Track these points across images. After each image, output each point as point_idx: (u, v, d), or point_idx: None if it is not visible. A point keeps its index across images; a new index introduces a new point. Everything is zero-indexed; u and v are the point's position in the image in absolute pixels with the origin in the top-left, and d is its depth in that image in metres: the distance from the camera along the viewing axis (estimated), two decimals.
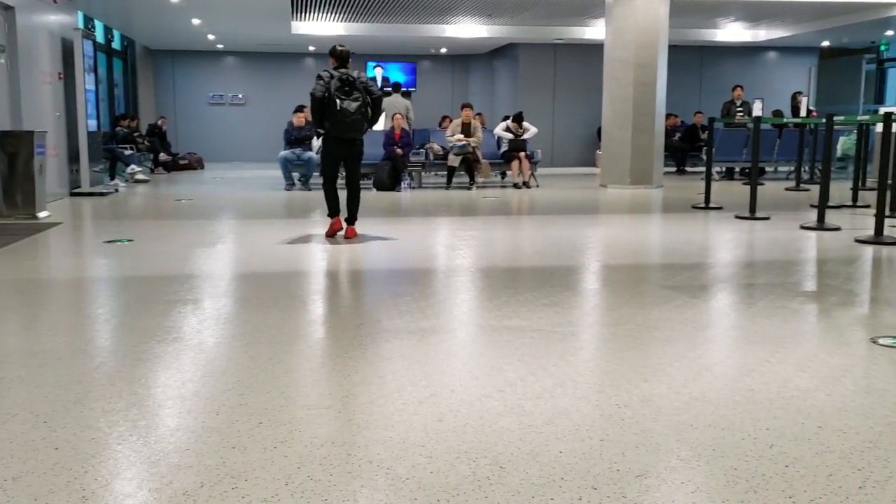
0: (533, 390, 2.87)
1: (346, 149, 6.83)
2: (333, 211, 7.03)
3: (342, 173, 7.26)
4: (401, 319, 3.93)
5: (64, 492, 2.05)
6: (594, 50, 15.39)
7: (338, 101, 6.49)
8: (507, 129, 12.90)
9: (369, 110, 6.67)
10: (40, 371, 3.10)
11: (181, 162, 17.14)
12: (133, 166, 13.73)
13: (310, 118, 8.34)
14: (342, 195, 7.03)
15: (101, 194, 10.72)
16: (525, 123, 12.89)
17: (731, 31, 17.61)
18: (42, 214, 8.21)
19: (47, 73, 9.95)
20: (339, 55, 6.72)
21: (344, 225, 7.00)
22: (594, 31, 16.70)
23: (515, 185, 12.47)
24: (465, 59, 21.67)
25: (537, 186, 12.65)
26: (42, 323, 4.03)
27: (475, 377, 3.04)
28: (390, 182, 11.92)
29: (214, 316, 4.08)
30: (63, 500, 2.01)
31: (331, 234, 6.95)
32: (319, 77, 6.63)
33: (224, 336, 3.68)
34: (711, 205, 9.29)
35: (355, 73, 6.68)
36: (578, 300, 4.60)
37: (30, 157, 8.14)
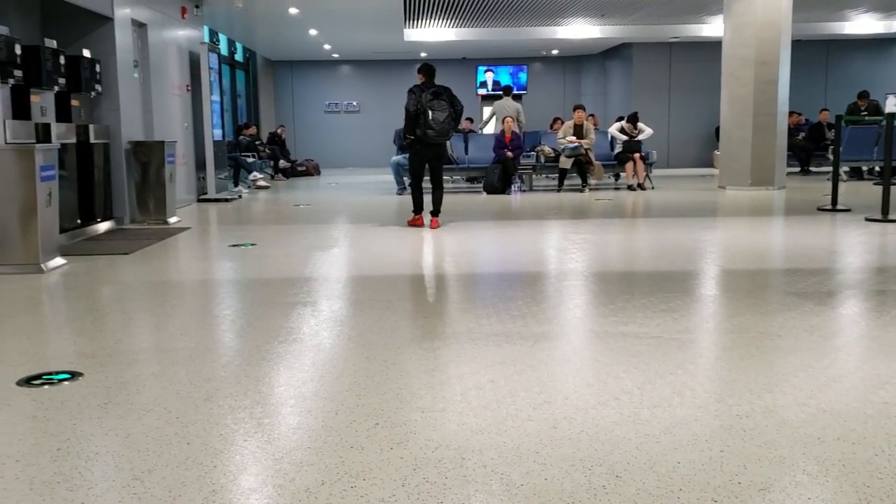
0: (650, 399, 2.82)
1: (433, 152, 7.85)
2: (419, 208, 8.07)
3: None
4: (513, 324, 3.94)
5: (195, 485, 2.16)
6: (711, 48, 14.93)
7: (429, 112, 7.53)
8: (622, 130, 12.71)
9: (453, 120, 7.71)
10: (173, 369, 3.27)
11: (299, 168, 17.72)
12: (255, 173, 14.30)
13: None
14: (425, 200, 8.14)
15: (226, 200, 11.22)
16: (640, 124, 12.67)
17: (861, 23, 16.68)
18: (172, 220, 8.67)
19: (176, 86, 10.50)
20: (428, 71, 7.79)
21: (427, 218, 8.01)
22: (711, 28, 16.20)
23: (630, 187, 12.26)
24: (576, 60, 21.46)
25: (652, 188, 12.39)
26: (173, 323, 4.25)
27: (590, 384, 3.01)
28: (501, 185, 11.94)
29: (331, 318, 4.20)
30: (194, 493, 2.12)
31: (412, 224, 8.00)
32: (412, 91, 7.69)
33: (341, 338, 3.79)
34: (839, 206, 8.84)
35: (442, 88, 7.68)
36: (697, 306, 4.47)
37: (161, 165, 8.61)
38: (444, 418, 2.65)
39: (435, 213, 8.00)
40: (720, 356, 3.48)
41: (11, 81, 6.20)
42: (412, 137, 7.76)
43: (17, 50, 6.28)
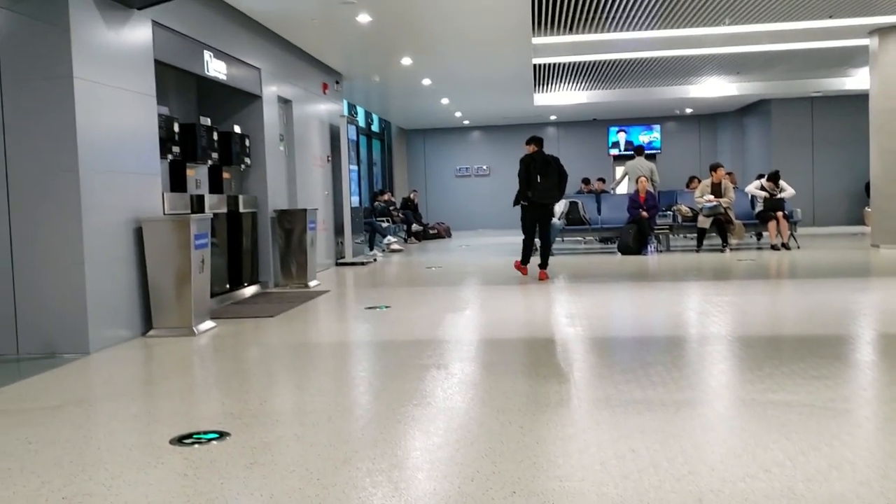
0: (804, 472, 2.64)
1: (541, 211, 8.93)
2: (526, 259, 9.18)
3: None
4: (653, 390, 3.81)
5: None
6: (857, 101, 14.33)
7: (538, 177, 8.71)
8: (762, 189, 12.28)
9: (559, 185, 8.85)
10: (313, 430, 3.36)
11: (431, 231, 18.11)
12: (389, 237, 14.70)
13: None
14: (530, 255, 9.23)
15: (362, 264, 11.57)
16: (782, 183, 12.23)
17: None
18: (312, 283, 9.01)
19: (317, 157, 11.02)
20: (538, 142, 8.98)
21: (533, 270, 9.09)
22: (856, 81, 15.53)
23: (773, 247, 11.75)
24: (711, 117, 21.03)
25: (798, 248, 11.82)
26: (313, 384, 4.38)
27: (737, 455, 2.85)
28: (636, 246, 11.73)
29: (464, 381, 4.21)
30: None
31: (523, 273, 9.12)
32: (522, 161, 8.88)
33: (474, 402, 3.78)
34: None
35: (550, 156, 8.89)
36: (852, 373, 4.18)
37: (303, 232, 9.01)
38: (582, 488, 2.58)
39: (543, 265, 8.99)
40: (881, 427, 3.23)
41: (170, 157, 6.70)
42: (524, 203, 8.88)
43: (176, 128, 6.80)
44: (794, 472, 2.64)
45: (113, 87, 5.65)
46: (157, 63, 6.34)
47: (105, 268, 5.46)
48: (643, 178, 12.26)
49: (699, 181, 13.06)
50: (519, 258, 9.30)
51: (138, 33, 6.03)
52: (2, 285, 5.24)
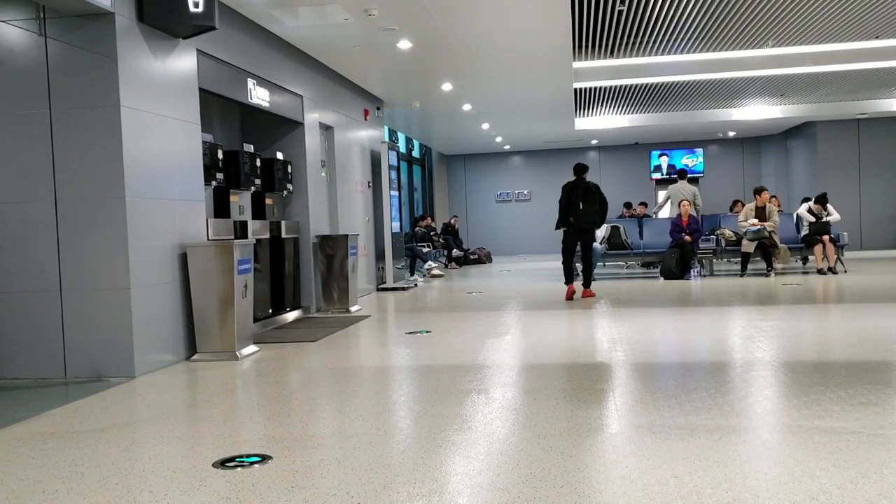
0: (852, 500, 2.57)
1: (583, 235, 9.46)
2: (569, 279, 9.55)
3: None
4: (696, 416, 3.75)
5: None
6: None
7: (580, 203, 9.26)
8: (809, 211, 12.10)
9: (600, 212, 9.43)
10: (354, 454, 3.37)
11: (471, 257, 18.11)
12: (430, 262, 14.74)
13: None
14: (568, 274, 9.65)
15: (403, 289, 11.61)
16: (829, 206, 12.03)
17: None
18: (353, 308, 9.06)
19: (358, 183, 11.13)
20: (581, 170, 9.55)
21: (579, 288, 9.60)
22: None
23: (819, 271, 11.53)
24: (755, 140, 20.79)
25: (845, 272, 11.58)
26: (354, 408, 4.39)
27: (783, 482, 2.79)
28: (678, 270, 11.60)
29: (505, 406, 4.18)
30: None
31: (568, 298, 9.33)
32: (564, 187, 9.42)
33: (515, 427, 3.75)
34: None
35: (593, 185, 9.42)
36: None
37: (344, 257, 9.09)
38: None
39: (586, 284, 9.66)
40: None
41: (214, 184, 6.83)
42: (565, 228, 9.40)
43: (220, 155, 6.93)
44: (842, 500, 2.58)
45: (159, 116, 5.79)
46: (202, 91, 6.48)
47: (150, 293, 5.57)
48: (686, 202, 12.15)
49: (743, 205, 12.90)
50: (565, 291, 9.54)
51: (183, 62, 6.18)
52: (50, 310, 5.37)
